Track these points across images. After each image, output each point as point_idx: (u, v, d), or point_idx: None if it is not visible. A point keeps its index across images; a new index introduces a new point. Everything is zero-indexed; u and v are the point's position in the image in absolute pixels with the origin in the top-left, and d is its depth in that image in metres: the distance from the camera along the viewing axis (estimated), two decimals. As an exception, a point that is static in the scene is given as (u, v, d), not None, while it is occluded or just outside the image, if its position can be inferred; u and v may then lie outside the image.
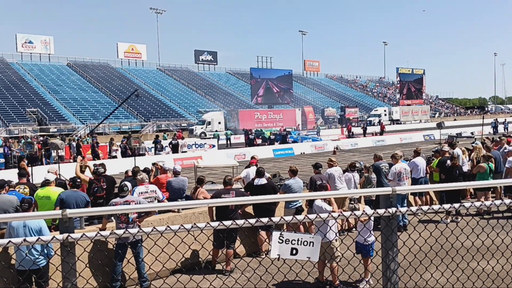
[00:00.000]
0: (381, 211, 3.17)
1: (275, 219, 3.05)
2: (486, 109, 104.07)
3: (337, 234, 7.13)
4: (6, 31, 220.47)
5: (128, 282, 7.55)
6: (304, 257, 3.12)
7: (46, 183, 8.84)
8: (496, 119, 51.01)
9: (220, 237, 8.15)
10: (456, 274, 4.04)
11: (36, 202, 7.69)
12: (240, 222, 3.01)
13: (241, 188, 10.61)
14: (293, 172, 9.90)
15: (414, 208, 3.23)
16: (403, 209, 3.21)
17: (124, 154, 27.70)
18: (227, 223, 2.98)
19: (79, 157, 13.83)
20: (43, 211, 7.58)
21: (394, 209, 3.17)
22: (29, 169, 15.34)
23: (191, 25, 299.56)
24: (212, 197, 8.95)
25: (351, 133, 47.23)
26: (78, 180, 8.76)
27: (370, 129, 55.35)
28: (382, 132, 48.38)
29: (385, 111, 71.31)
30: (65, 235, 2.79)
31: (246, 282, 3.56)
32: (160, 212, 8.85)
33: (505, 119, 48.93)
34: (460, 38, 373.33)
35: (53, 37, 70.10)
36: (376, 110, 72.30)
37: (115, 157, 27.63)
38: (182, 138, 34.72)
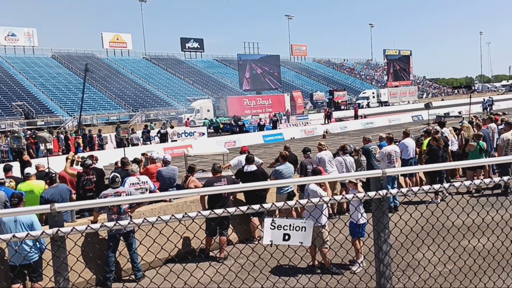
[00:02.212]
0: (371, 193, 3.17)
1: (267, 205, 3.04)
2: (473, 88, 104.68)
3: (328, 218, 7.17)
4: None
5: (122, 273, 7.54)
6: (297, 243, 3.11)
7: (26, 177, 8.76)
8: (491, 98, 50.73)
9: (212, 225, 8.16)
10: (448, 253, 4.08)
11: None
12: (231, 210, 2.99)
13: (232, 175, 10.61)
14: (284, 158, 9.89)
15: (404, 189, 3.23)
16: (394, 191, 3.21)
17: (119, 145, 27.55)
18: (219, 211, 2.96)
19: (71, 153, 13.66)
20: (27, 205, 7.50)
21: (384, 191, 3.17)
22: (15, 163, 15.21)
23: (176, 12, 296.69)
24: (204, 186, 8.92)
25: (329, 119, 45.30)
26: (54, 175, 8.62)
27: (358, 112, 55.45)
28: (356, 117, 46.67)
29: (373, 93, 71.41)
30: (55, 229, 2.75)
31: (240, 269, 3.56)
32: (151, 202, 8.83)
33: (484, 98, 47.88)
34: (446, 18, 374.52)
35: (36, 29, 69.22)
36: (364, 93, 72.41)
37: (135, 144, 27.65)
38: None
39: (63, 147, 28.08)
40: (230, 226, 8.67)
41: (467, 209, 4.03)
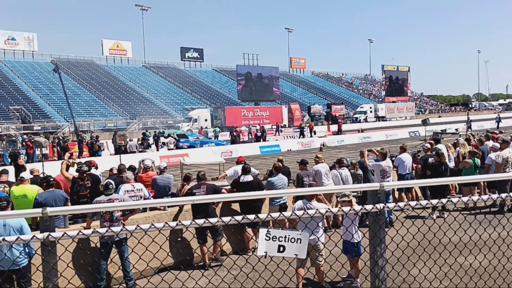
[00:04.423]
0: (368, 207, 3.13)
1: (262, 216, 3.00)
2: (470, 106, 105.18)
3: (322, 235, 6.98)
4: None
5: (113, 281, 7.44)
6: (292, 254, 3.07)
7: (20, 180, 8.66)
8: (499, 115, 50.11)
9: (202, 233, 8.09)
10: (444, 270, 4.03)
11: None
12: (226, 219, 2.94)
13: (226, 186, 10.54)
14: (277, 169, 9.86)
15: (402, 204, 3.19)
16: (391, 205, 3.18)
17: (117, 151, 27.51)
18: (213, 220, 2.92)
19: (67, 154, 13.45)
20: (20, 210, 7.39)
21: (381, 205, 3.14)
22: (10, 167, 15.11)
23: (177, 22, 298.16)
24: (185, 193, 8.91)
25: (312, 132, 44.31)
26: (52, 179, 8.49)
27: (355, 126, 55.61)
28: (339, 131, 45.55)
29: (370, 108, 71.67)
30: (46, 234, 2.70)
31: (233, 280, 3.51)
32: (145, 209, 8.76)
33: (468, 117, 46.64)
34: (445, 35, 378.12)
35: (37, 34, 69.32)
36: (362, 107, 72.67)
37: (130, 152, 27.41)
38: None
39: (58, 152, 27.92)
40: (224, 236, 8.61)
41: (464, 226, 3.99)
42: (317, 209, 3.15)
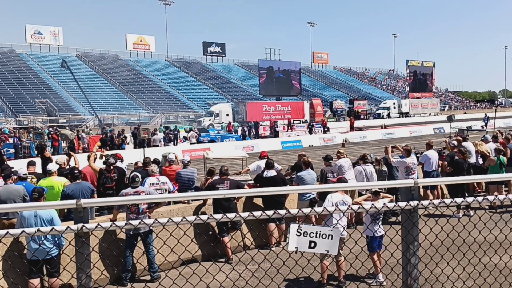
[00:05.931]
0: (402, 204, 3.07)
1: (293, 211, 2.97)
2: (496, 102, 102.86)
3: (345, 228, 6.89)
4: (15, 22, 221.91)
5: (138, 273, 7.54)
6: (323, 250, 3.04)
7: (48, 173, 8.81)
8: None
9: (221, 226, 8.24)
10: (468, 269, 3.94)
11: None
12: (257, 213, 2.92)
13: (249, 180, 10.54)
14: (306, 164, 9.84)
15: (436, 201, 3.12)
16: (425, 202, 3.11)
17: (141, 145, 27.65)
18: (244, 214, 2.91)
19: (96, 146, 13.61)
20: (47, 201, 7.51)
21: (415, 202, 3.07)
22: (36, 158, 15.39)
23: (200, 16, 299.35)
24: (207, 187, 8.96)
25: (326, 129, 43.71)
26: (76, 171, 8.57)
27: (378, 122, 55.01)
28: (352, 128, 44.59)
29: (394, 103, 70.67)
30: (80, 225, 2.72)
31: (264, 275, 3.49)
32: (169, 203, 8.83)
33: (485, 114, 44.56)
34: (470, 30, 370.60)
35: (62, 28, 70.40)
36: (385, 103, 71.68)
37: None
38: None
39: (85, 145, 28.32)
40: (249, 230, 8.64)
41: (489, 225, 3.89)
42: (349, 206, 3.11)
